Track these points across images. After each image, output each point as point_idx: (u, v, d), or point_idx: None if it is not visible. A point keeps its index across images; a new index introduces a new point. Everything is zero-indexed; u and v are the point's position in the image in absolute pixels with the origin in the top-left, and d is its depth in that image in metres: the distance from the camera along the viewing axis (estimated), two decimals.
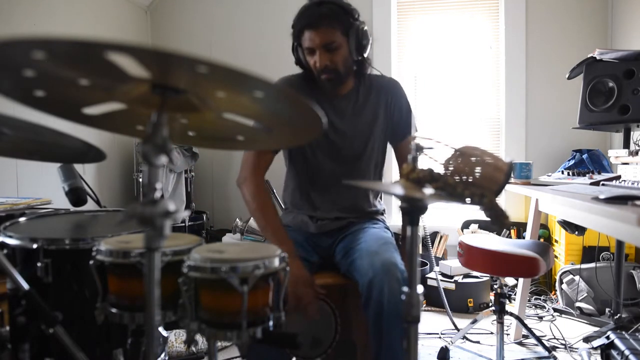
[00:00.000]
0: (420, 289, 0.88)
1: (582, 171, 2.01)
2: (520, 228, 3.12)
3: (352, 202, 1.67)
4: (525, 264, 1.82)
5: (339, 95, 1.63)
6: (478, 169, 0.92)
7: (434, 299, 2.78)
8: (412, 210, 0.86)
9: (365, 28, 1.54)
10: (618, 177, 1.83)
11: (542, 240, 2.98)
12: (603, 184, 1.72)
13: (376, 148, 1.66)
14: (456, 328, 2.46)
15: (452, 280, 2.76)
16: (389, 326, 1.29)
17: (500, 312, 1.98)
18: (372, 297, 1.31)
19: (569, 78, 2.37)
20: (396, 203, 0.87)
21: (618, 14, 3.09)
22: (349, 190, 1.63)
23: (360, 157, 1.64)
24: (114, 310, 0.96)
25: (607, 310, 2.56)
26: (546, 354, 2.10)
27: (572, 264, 2.78)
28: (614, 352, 1.58)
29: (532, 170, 2.11)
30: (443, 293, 2.63)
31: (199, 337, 1.77)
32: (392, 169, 3.11)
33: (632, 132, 2.31)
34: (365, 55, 1.57)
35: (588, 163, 2.86)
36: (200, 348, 1.96)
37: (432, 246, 3.15)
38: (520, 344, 2.31)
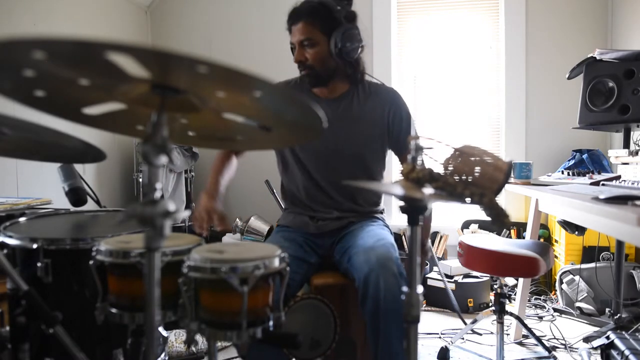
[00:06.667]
0: (420, 289, 0.88)
1: (582, 171, 2.01)
2: (520, 228, 3.12)
3: (351, 203, 1.67)
4: (525, 264, 1.82)
5: (329, 98, 1.64)
6: (478, 169, 0.92)
7: (433, 299, 2.79)
8: (412, 210, 0.86)
9: (355, 31, 1.53)
10: (618, 177, 1.83)
11: (542, 240, 2.98)
12: (603, 184, 1.72)
13: (368, 152, 1.65)
14: (464, 322, 2.46)
15: (452, 280, 2.76)
16: (385, 322, 1.29)
17: (500, 312, 1.98)
18: (368, 293, 1.31)
19: (569, 78, 2.37)
20: (397, 203, 0.87)
21: (618, 14, 3.09)
22: (347, 190, 1.63)
23: (351, 159, 1.63)
24: (114, 310, 0.96)
25: (607, 310, 2.56)
26: (546, 354, 2.10)
27: (572, 264, 2.78)
28: (614, 352, 1.58)
29: (532, 170, 2.11)
30: (451, 292, 2.63)
31: (199, 337, 1.77)
32: (391, 172, 3.11)
33: (632, 132, 2.31)
34: (354, 58, 1.56)
35: (588, 163, 2.86)
36: (200, 348, 1.96)
37: (432, 246, 3.15)
38: (520, 344, 2.31)
